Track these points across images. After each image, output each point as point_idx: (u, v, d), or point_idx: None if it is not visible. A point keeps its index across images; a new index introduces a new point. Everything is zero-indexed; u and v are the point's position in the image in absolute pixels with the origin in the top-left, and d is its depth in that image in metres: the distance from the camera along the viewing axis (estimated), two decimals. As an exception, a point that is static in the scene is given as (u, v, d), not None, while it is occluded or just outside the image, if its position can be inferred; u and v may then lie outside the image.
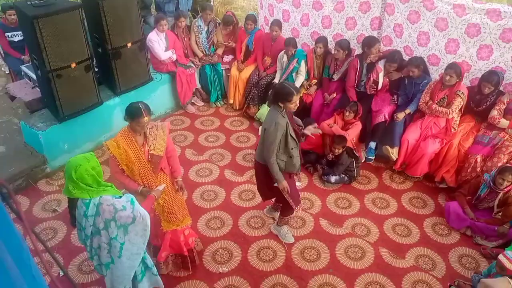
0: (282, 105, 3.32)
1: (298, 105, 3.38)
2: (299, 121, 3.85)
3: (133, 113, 3.01)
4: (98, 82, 5.02)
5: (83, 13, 4.49)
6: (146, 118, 3.00)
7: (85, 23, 4.64)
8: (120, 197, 2.68)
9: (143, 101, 3.11)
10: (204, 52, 6.06)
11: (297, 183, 4.35)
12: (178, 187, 3.49)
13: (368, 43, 4.86)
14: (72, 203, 2.75)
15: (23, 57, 5.80)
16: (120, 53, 5.00)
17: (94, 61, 5.08)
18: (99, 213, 2.60)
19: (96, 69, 5.16)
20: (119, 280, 2.82)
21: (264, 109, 5.50)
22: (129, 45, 5.03)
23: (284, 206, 3.82)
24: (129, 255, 2.72)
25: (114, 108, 5.30)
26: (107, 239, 2.67)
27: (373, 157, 4.91)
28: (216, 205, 4.46)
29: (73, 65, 4.46)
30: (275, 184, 3.53)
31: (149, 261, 3.04)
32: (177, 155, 3.58)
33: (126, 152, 3.05)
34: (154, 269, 3.09)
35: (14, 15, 5.59)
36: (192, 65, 6.00)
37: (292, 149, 3.41)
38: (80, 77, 4.60)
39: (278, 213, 4.05)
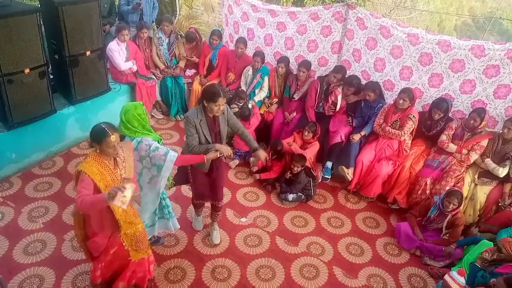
0: (206, 105, 3.37)
1: (221, 110, 3.41)
2: (251, 141, 3.81)
3: (99, 136, 2.77)
4: (53, 89, 4.85)
5: (41, 18, 4.33)
6: (113, 137, 2.77)
7: (43, 28, 4.48)
8: (159, 142, 3.33)
9: (104, 122, 2.88)
10: (166, 64, 6.00)
11: (243, 219, 4.42)
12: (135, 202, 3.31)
13: (349, 82, 5.02)
14: (121, 139, 3.15)
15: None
16: (78, 61, 4.86)
17: (50, 67, 4.90)
18: (138, 149, 3.24)
19: (52, 76, 4.98)
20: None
21: None
22: (88, 53, 4.90)
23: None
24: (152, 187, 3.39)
25: (68, 117, 5.11)
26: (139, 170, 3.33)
27: (330, 177, 5.01)
28: (172, 221, 4.36)
29: (27, 70, 4.29)
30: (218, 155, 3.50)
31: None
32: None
33: (103, 175, 2.80)
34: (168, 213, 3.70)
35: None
36: (153, 77, 5.91)
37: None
38: (33, 83, 4.41)
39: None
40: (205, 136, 3.49)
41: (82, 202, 2.61)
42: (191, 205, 4.58)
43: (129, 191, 2.58)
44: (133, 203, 3.13)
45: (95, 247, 2.99)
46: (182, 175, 3.90)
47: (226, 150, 3.48)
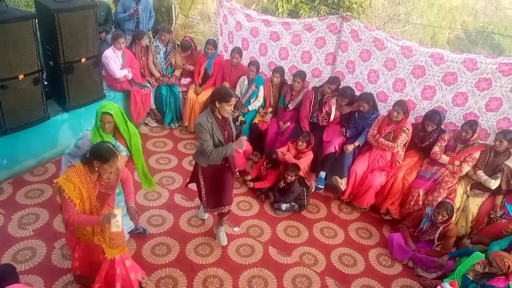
0: (218, 106, 3.45)
1: (232, 110, 3.59)
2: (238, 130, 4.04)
3: (107, 155, 2.83)
4: (47, 96, 4.83)
5: (37, 24, 4.33)
6: (119, 157, 2.90)
7: (38, 35, 4.48)
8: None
9: (106, 141, 3.02)
10: (162, 73, 6.02)
11: (235, 229, 4.42)
12: (132, 213, 3.30)
13: (344, 93, 5.05)
14: None
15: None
16: (73, 68, 4.85)
17: (44, 74, 4.89)
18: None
19: (46, 83, 4.97)
20: None
21: None
22: (83, 60, 4.90)
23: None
24: None
25: (62, 124, 5.08)
26: None
27: (323, 187, 5.02)
28: (163, 230, 4.32)
29: (21, 76, 4.27)
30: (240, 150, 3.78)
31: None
32: (132, 182, 3.42)
33: (80, 192, 2.87)
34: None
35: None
36: (148, 85, 5.92)
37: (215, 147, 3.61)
38: (27, 89, 4.40)
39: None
40: (218, 138, 3.56)
41: (74, 221, 2.86)
42: (183, 214, 4.57)
43: (119, 215, 2.88)
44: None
45: (69, 238, 3.17)
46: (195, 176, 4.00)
47: (240, 145, 3.64)
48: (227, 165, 3.79)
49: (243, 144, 3.64)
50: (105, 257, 3.14)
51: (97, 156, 2.85)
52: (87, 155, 2.89)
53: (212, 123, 3.51)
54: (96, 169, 2.87)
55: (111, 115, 3.34)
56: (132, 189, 3.38)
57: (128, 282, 3.27)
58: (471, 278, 3.48)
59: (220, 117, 3.57)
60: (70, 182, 2.82)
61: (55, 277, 3.64)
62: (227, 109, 3.49)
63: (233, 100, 3.47)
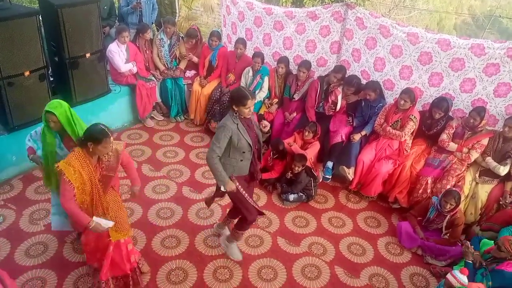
0: (236, 109, 3.32)
1: (252, 111, 3.40)
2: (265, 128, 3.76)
3: (99, 136, 2.92)
4: (53, 92, 4.85)
5: (41, 20, 4.34)
6: (112, 138, 2.98)
7: (42, 31, 4.48)
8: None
9: (99, 123, 3.06)
10: (166, 66, 6.01)
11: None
12: (133, 193, 3.53)
13: (350, 82, 5.00)
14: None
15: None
16: (78, 63, 4.87)
17: (50, 70, 4.90)
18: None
19: (52, 79, 4.98)
20: None
21: None
22: (87, 55, 4.91)
23: (240, 218, 3.78)
24: None
25: (69, 120, 5.10)
26: None
27: (330, 177, 5.01)
28: (172, 223, 4.36)
29: (27, 73, 4.29)
30: (222, 189, 3.42)
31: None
32: (133, 165, 3.54)
33: (80, 175, 2.95)
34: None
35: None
36: (153, 78, 5.92)
37: (243, 152, 3.42)
38: (33, 85, 4.42)
39: (229, 229, 4.04)
40: (246, 141, 3.36)
41: (66, 208, 2.97)
42: (191, 206, 4.60)
43: (109, 224, 3.09)
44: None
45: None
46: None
47: (230, 187, 3.41)
48: (252, 172, 3.62)
49: (229, 188, 3.39)
50: (109, 240, 3.22)
51: (90, 138, 2.94)
52: (82, 138, 2.99)
53: (238, 124, 3.34)
54: (91, 150, 2.96)
55: (55, 114, 3.15)
56: (135, 173, 3.54)
57: (129, 263, 3.40)
58: (471, 261, 3.49)
59: (243, 118, 3.40)
60: (70, 166, 2.91)
61: (67, 271, 3.70)
62: (246, 112, 3.32)
63: (250, 102, 3.28)
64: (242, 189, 3.51)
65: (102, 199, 3.15)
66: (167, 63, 6.00)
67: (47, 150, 3.31)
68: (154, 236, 4.16)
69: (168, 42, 5.94)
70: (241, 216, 3.76)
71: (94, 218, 3.04)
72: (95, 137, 2.93)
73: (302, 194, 4.78)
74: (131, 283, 3.44)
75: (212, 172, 3.44)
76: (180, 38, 6.12)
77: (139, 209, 4.47)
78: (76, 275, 3.67)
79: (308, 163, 4.76)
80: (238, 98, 3.29)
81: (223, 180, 3.38)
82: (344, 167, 4.80)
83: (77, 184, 2.94)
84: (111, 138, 2.99)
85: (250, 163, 3.55)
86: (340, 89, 5.08)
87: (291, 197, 4.74)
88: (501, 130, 4.35)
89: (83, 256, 3.78)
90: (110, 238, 3.21)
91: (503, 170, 4.25)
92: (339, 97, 5.10)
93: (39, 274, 3.64)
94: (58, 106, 3.19)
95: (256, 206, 3.64)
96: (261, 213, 3.77)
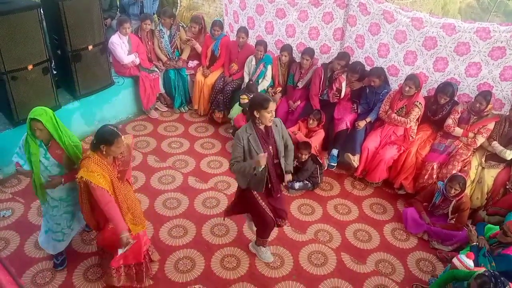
0: (257, 115, 3.18)
1: (273, 117, 3.25)
2: (289, 163, 3.59)
3: (111, 138, 2.97)
4: (57, 85, 4.85)
5: (42, 13, 4.32)
6: (123, 137, 3.02)
7: (44, 24, 4.48)
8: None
9: (108, 124, 3.11)
10: (168, 57, 5.98)
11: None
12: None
13: (354, 68, 4.95)
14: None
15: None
16: (81, 56, 4.86)
17: (53, 63, 4.90)
18: None
19: (55, 72, 4.99)
20: None
21: (236, 109, 5.48)
22: (90, 47, 4.90)
23: (258, 226, 3.73)
24: None
25: (73, 113, 5.13)
26: None
27: (336, 164, 5.01)
28: (179, 213, 4.39)
29: (30, 67, 4.29)
30: (260, 169, 3.19)
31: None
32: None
33: (104, 177, 3.01)
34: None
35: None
36: (156, 69, 5.90)
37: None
38: (37, 79, 4.43)
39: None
40: (256, 153, 3.22)
41: (106, 212, 3.02)
42: (197, 196, 4.62)
43: (132, 242, 3.11)
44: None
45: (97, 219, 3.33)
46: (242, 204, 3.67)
47: (258, 163, 3.13)
48: (270, 186, 3.45)
49: (262, 162, 3.12)
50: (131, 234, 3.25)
51: (102, 141, 2.98)
52: (94, 142, 3.01)
53: (250, 134, 3.21)
54: (104, 152, 3.00)
55: (41, 121, 3.02)
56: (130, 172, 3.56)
57: (143, 252, 3.46)
58: (476, 244, 3.49)
59: (262, 128, 3.27)
60: (93, 172, 2.94)
61: (77, 262, 3.75)
62: (268, 117, 3.17)
63: (272, 105, 3.16)
64: (260, 199, 3.45)
65: (127, 196, 3.22)
66: (168, 54, 5.98)
67: (32, 160, 3.17)
68: (161, 226, 4.19)
69: (168, 33, 5.90)
70: (256, 224, 3.75)
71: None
72: (106, 139, 2.96)
73: (307, 182, 4.78)
74: (143, 269, 3.48)
75: (241, 175, 3.38)
76: (180, 27, 6.07)
77: (145, 199, 4.50)
78: (85, 266, 3.72)
79: (313, 151, 4.75)
80: (260, 102, 3.15)
81: (252, 165, 3.16)
82: (349, 154, 4.79)
83: (106, 186, 2.99)
84: (122, 137, 3.03)
85: (266, 179, 3.39)
86: (344, 76, 5.05)
87: (297, 185, 4.75)
88: (508, 114, 4.32)
89: (93, 247, 3.83)
90: (131, 232, 3.24)
91: (509, 155, 4.23)
92: (343, 84, 5.07)
93: (49, 266, 3.69)
94: (43, 113, 3.04)
95: (270, 214, 3.53)
96: (277, 224, 3.68)
